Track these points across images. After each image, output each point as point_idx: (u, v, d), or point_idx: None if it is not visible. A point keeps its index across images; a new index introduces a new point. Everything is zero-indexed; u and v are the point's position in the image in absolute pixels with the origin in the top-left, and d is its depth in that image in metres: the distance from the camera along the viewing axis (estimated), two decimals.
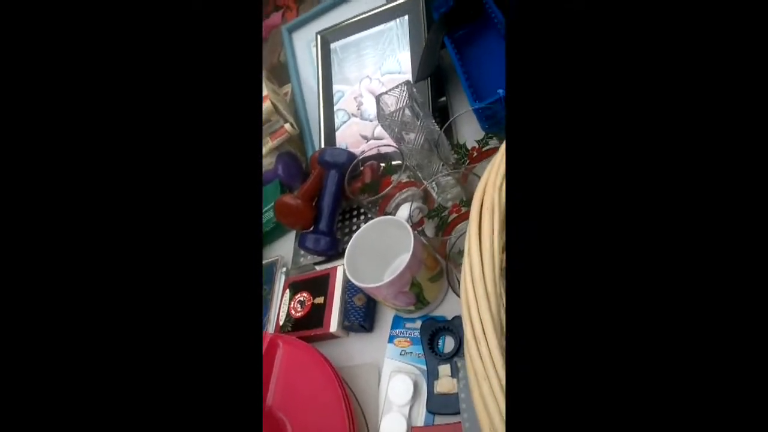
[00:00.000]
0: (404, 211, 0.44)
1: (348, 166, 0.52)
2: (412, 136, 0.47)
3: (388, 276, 0.39)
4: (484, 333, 0.25)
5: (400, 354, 0.45)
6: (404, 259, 0.39)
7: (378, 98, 0.45)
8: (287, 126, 0.60)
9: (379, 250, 0.45)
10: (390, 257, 0.47)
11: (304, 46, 0.67)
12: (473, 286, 0.27)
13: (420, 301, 0.44)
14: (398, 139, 0.46)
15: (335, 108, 0.62)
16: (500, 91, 0.45)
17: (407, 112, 0.43)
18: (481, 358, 0.25)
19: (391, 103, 0.46)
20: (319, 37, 0.63)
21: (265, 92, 0.58)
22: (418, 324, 0.45)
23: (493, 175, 0.29)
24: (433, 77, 0.54)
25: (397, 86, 0.45)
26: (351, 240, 0.43)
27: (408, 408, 0.41)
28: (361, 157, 0.53)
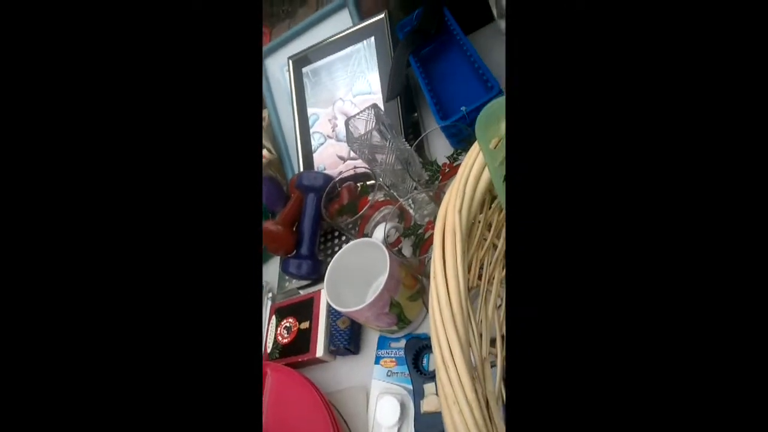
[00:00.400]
0: (380, 232, 0.45)
1: (325, 189, 0.53)
2: (383, 157, 0.47)
3: (370, 297, 0.40)
4: (453, 357, 0.26)
5: (387, 375, 0.45)
6: (381, 282, 0.40)
7: (347, 123, 0.46)
8: (264, 152, 0.61)
9: (360, 272, 0.46)
10: (371, 278, 0.47)
11: (278, 70, 0.68)
12: (440, 310, 0.27)
13: (401, 320, 0.44)
14: (370, 161, 0.46)
15: (311, 131, 0.63)
16: (463, 108, 0.46)
17: (375, 134, 0.44)
18: (451, 383, 0.25)
19: (360, 126, 0.46)
20: (290, 62, 0.64)
21: None
22: (403, 343, 0.46)
23: (453, 198, 0.30)
24: (403, 95, 0.55)
25: (364, 110, 0.45)
26: (329, 265, 0.44)
27: (396, 429, 0.41)
28: (337, 179, 0.53)
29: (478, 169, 0.30)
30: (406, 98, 0.57)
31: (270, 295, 0.57)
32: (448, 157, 0.50)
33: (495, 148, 0.27)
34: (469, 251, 0.31)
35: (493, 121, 0.26)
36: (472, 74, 0.51)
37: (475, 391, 0.25)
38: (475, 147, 0.30)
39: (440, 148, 0.53)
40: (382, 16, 0.57)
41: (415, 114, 0.60)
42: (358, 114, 0.46)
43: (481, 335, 0.31)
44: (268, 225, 0.52)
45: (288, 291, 0.57)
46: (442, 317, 0.27)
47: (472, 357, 0.27)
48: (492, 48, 0.54)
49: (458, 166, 0.49)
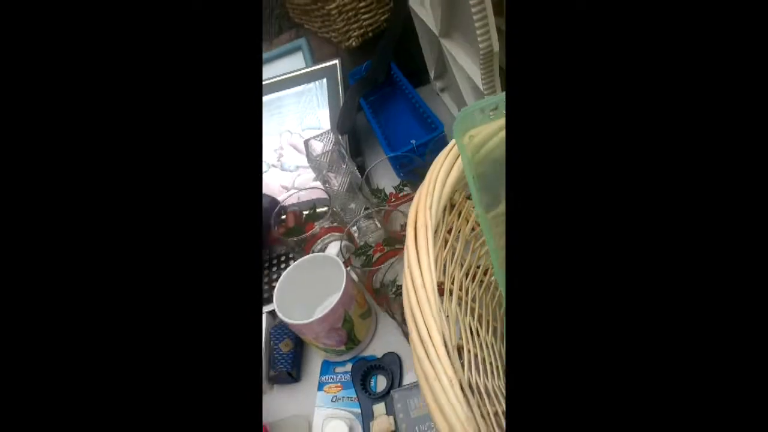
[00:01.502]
0: (334, 249, 0.45)
1: (271, 211, 0.52)
2: (337, 179, 0.49)
3: (324, 311, 0.39)
4: (429, 334, 0.26)
5: (332, 400, 0.42)
6: (335, 297, 0.39)
7: (306, 142, 0.47)
8: None
9: (308, 291, 0.44)
10: (319, 298, 0.46)
11: None
12: (414, 291, 0.28)
13: (351, 339, 0.43)
14: (324, 181, 0.48)
15: None
16: (413, 141, 0.51)
17: (334, 155, 0.46)
18: (429, 359, 0.25)
19: (317, 147, 0.48)
20: None
21: None
22: (348, 367, 0.44)
23: (423, 198, 0.32)
24: (351, 138, 0.59)
25: (323, 133, 0.48)
26: (280, 278, 0.42)
27: None
28: (284, 202, 0.53)
29: (445, 172, 0.33)
30: (353, 143, 0.61)
31: None
32: (394, 188, 0.53)
33: (468, 144, 0.31)
34: (435, 244, 0.33)
35: (469, 120, 0.30)
36: (416, 118, 0.58)
37: (453, 367, 0.25)
38: (444, 152, 0.34)
39: (383, 183, 0.57)
40: (336, 61, 0.62)
41: (360, 158, 0.63)
42: (317, 136, 0.48)
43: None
44: None
45: None
46: (417, 297, 0.28)
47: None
48: (429, 102, 0.62)
49: (404, 195, 0.53)
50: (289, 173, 0.61)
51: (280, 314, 0.39)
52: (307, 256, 0.43)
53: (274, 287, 0.50)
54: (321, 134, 0.48)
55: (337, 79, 0.62)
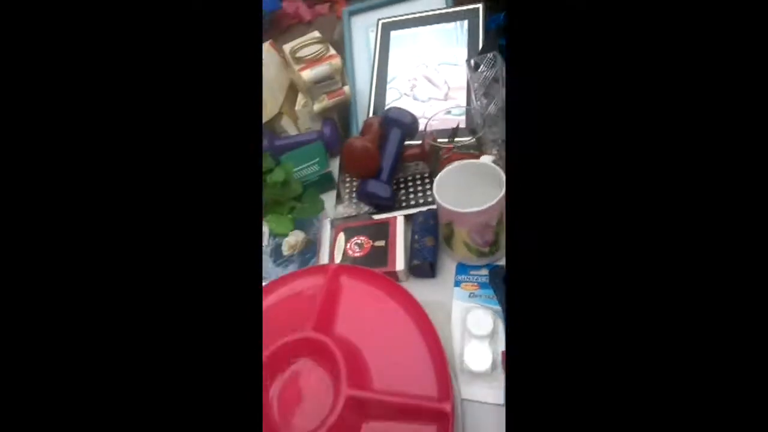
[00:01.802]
0: (488, 159, 0.47)
1: (411, 127, 0.55)
2: (488, 104, 0.52)
3: (487, 205, 0.41)
4: None
5: (469, 296, 0.45)
6: (492, 199, 0.41)
7: (468, 61, 0.50)
8: (346, 89, 0.61)
9: (459, 193, 0.47)
10: (468, 203, 0.48)
11: (362, 30, 0.71)
12: None
13: (495, 243, 0.45)
14: (479, 97, 0.50)
15: (388, 86, 0.66)
16: None
17: (497, 74, 0.48)
18: None
19: (479, 69, 0.51)
20: (380, 23, 0.68)
21: (332, 52, 0.60)
22: (483, 271, 0.46)
23: None
24: None
25: (488, 55, 0.50)
26: (440, 174, 0.45)
27: (487, 342, 0.40)
28: (428, 123, 0.56)
29: None
30: None
31: (328, 219, 0.55)
32: None
33: None
34: None
35: None
36: None
37: None
38: None
39: None
40: (479, 6, 0.65)
41: None
42: (479, 57, 0.50)
43: None
44: (358, 141, 0.52)
45: (345, 218, 0.55)
46: None
47: None
48: None
49: None
50: (421, 103, 0.63)
51: (442, 203, 0.42)
52: (466, 161, 0.46)
53: (411, 199, 0.53)
54: (484, 56, 0.50)
55: (478, 23, 0.64)
